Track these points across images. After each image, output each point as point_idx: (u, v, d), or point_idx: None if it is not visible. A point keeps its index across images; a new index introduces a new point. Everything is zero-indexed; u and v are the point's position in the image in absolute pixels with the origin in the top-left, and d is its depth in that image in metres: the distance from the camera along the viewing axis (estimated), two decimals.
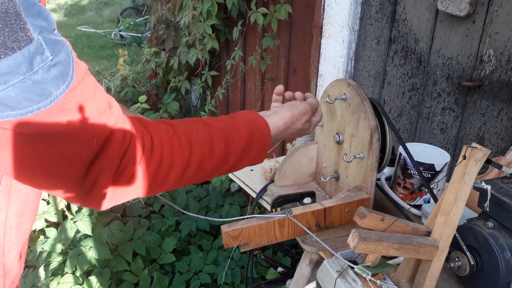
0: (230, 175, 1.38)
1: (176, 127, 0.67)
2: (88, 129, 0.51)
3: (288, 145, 1.40)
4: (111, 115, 0.55)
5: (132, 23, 7.21)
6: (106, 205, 0.61)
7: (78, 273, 2.11)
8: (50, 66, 0.46)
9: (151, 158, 0.61)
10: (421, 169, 1.06)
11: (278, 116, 0.82)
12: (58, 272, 2.13)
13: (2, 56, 0.42)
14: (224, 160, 0.71)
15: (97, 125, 0.52)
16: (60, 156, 0.50)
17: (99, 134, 0.53)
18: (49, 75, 0.46)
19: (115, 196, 0.60)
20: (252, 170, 1.36)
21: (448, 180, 0.82)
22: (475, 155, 0.68)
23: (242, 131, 0.74)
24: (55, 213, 2.19)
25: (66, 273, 2.11)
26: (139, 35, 6.73)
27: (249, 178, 1.32)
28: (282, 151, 2.40)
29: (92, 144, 0.52)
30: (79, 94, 0.49)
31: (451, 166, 1.28)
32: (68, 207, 2.27)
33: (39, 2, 0.47)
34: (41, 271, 2.10)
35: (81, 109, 0.50)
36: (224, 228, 0.87)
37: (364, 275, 0.69)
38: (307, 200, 1.02)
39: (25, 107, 0.45)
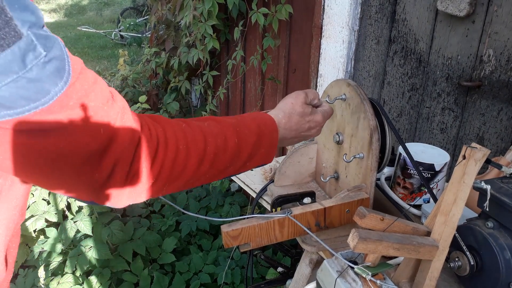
0: None
1: (187, 121, 0.67)
2: (93, 121, 0.50)
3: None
4: (115, 104, 0.54)
5: (132, 23, 7.21)
6: (124, 200, 0.58)
7: (78, 273, 2.11)
8: (44, 63, 0.44)
9: (167, 148, 0.60)
10: (420, 169, 1.06)
11: (276, 109, 0.83)
12: (58, 272, 2.13)
13: None
14: (238, 154, 0.71)
15: (102, 116, 0.51)
16: (68, 151, 0.49)
17: (105, 124, 0.52)
18: (45, 72, 0.44)
19: (135, 190, 0.58)
20: (252, 170, 1.36)
21: (447, 180, 0.83)
22: (475, 155, 0.68)
23: (252, 126, 0.74)
24: (55, 213, 2.19)
25: (66, 273, 2.11)
26: (139, 35, 6.74)
27: (249, 178, 1.33)
28: (282, 151, 2.40)
29: (99, 134, 0.51)
30: (79, 89, 0.48)
31: (451, 166, 1.28)
32: (69, 207, 2.27)
33: None
34: (41, 271, 2.10)
35: (83, 104, 0.49)
36: (224, 228, 0.88)
37: (364, 275, 0.69)
38: (307, 200, 1.02)
39: (22, 106, 0.43)
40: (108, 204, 0.58)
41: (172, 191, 0.65)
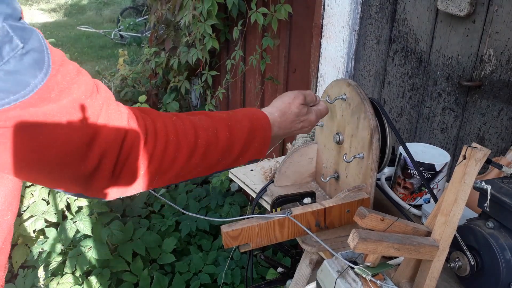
0: (230, 175, 1.38)
1: (178, 115, 0.66)
2: (76, 113, 0.49)
3: (288, 145, 1.40)
4: (99, 95, 0.53)
5: (132, 23, 7.21)
6: (114, 192, 0.57)
7: (78, 273, 2.11)
8: (22, 55, 0.43)
9: (156, 140, 0.59)
10: (421, 169, 1.05)
11: (271, 106, 0.83)
12: (58, 272, 2.13)
13: None
14: (229, 149, 0.71)
15: (85, 108, 0.50)
16: (50, 144, 0.48)
17: (88, 117, 0.51)
18: (23, 64, 0.43)
19: (124, 182, 0.57)
20: (252, 170, 1.36)
21: (448, 180, 0.82)
22: (475, 155, 0.68)
23: (244, 121, 0.74)
24: (54, 213, 2.19)
25: (66, 273, 2.10)
26: (139, 35, 6.73)
27: (249, 178, 1.32)
28: (282, 151, 2.40)
29: (82, 127, 0.50)
30: (61, 81, 0.47)
31: (451, 166, 1.28)
32: (68, 207, 2.26)
33: None
34: (41, 271, 2.10)
35: (65, 96, 0.47)
36: (224, 228, 0.87)
37: (364, 276, 0.69)
38: (307, 200, 1.02)
39: (1, 98, 0.42)
40: (98, 196, 0.57)
41: (163, 184, 0.64)
